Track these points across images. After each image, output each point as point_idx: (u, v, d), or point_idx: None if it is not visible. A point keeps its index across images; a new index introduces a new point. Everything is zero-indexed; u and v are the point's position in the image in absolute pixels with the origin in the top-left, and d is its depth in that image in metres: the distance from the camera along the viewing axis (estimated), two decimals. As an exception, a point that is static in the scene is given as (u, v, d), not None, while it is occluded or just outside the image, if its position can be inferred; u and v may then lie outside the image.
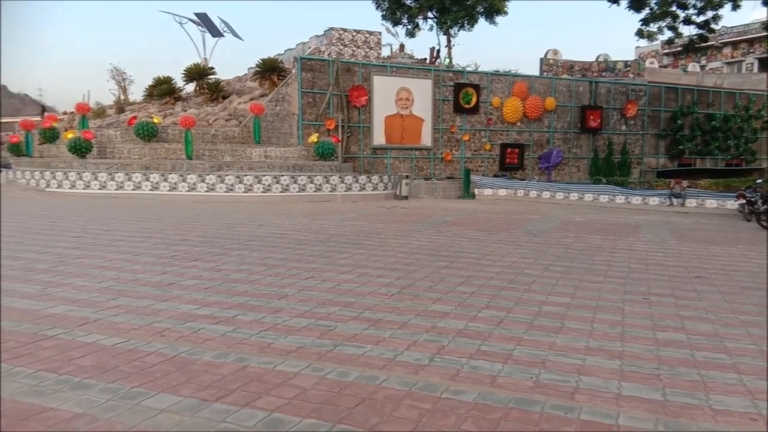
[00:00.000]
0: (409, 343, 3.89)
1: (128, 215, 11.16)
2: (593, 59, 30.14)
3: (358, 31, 24.76)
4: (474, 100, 21.71)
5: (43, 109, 28.72)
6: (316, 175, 16.28)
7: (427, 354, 3.69)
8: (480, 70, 23.20)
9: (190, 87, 23.87)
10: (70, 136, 17.06)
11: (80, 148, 16.37)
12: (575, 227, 11.37)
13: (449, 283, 5.75)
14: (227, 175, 15.37)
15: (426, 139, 21.24)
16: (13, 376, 3.16)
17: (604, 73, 29.04)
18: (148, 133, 17.40)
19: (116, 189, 14.97)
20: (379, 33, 25.81)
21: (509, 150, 22.68)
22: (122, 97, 24.60)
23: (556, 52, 28.97)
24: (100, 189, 14.99)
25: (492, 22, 28.31)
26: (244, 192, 15.29)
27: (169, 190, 15.03)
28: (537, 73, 27.11)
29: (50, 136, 18.64)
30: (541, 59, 28.58)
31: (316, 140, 17.84)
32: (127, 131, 18.43)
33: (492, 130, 22.39)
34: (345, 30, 24.56)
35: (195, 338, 3.91)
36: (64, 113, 26.24)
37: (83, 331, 3.97)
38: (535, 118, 23.04)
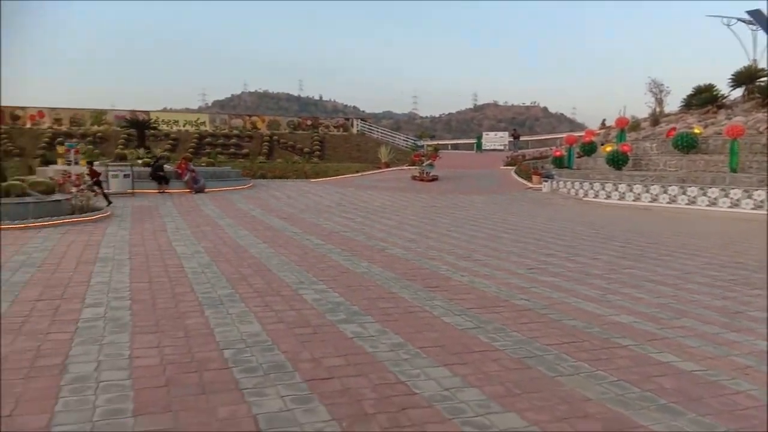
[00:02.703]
0: None
1: (666, 229, 10.75)
2: None
3: None
4: None
5: (603, 122, 30.75)
6: None
7: None
8: None
9: (737, 93, 21.45)
10: (608, 149, 17.97)
11: (617, 161, 16.99)
12: None
13: None
14: (782, 192, 12.95)
15: None
16: (597, 380, 3.25)
17: None
18: (687, 145, 16.53)
19: (650, 201, 14.79)
20: None
21: None
22: (657, 110, 24.29)
23: None
24: (633, 200, 15.14)
25: None
26: (805, 212, 12.54)
27: (707, 205, 13.81)
28: None
29: (589, 149, 20.16)
30: None
31: None
32: (663, 143, 18.04)
33: None
34: None
35: (790, 389, 3.19)
36: (602, 127, 27.99)
37: (653, 348, 3.83)
38: None
